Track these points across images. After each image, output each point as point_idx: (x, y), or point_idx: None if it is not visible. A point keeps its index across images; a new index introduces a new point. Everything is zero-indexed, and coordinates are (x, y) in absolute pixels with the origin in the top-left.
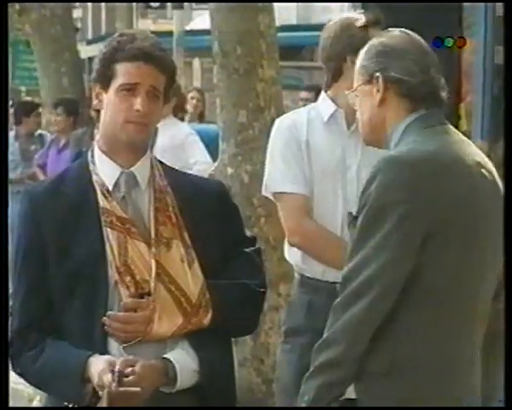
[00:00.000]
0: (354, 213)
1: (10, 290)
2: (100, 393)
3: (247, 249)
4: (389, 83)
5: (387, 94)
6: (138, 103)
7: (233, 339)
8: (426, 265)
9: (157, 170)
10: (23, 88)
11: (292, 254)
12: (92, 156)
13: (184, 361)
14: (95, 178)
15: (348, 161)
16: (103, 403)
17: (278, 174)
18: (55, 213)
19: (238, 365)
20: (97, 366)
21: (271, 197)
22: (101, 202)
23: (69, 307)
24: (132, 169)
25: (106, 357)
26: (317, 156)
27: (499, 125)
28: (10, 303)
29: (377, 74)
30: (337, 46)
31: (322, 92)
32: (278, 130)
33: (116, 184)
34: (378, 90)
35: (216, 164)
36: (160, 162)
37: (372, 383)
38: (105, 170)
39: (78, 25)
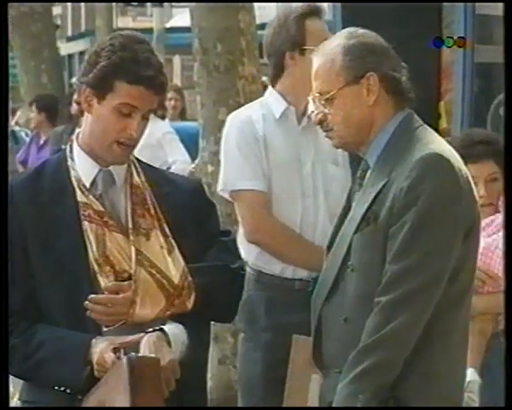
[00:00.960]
0: (365, 212)
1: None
2: (97, 374)
3: (223, 239)
4: (381, 81)
5: (378, 92)
6: (134, 129)
7: (213, 337)
8: (463, 262)
9: (134, 168)
10: None
11: (248, 252)
12: (71, 152)
13: (176, 331)
14: (72, 173)
15: (303, 157)
16: (120, 377)
17: (237, 171)
18: (33, 207)
19: (218, 363)
20: (99, 345)
21: (228, 197)
22: (79, 196)
23: (54, 299)
24: (110, 168)
25: (108, 337)
26: (273, 152)
27: (479, 123)
28: None
29: (369, 74)
30: (276, 42)
31: (270, 87)
32: (233, 126)
33: (94, 182)
34: (370, 90)
35: (196, 162)
36: (138, 160)
37: (415, 383)
38: (83, 167)
39: (58, 22)
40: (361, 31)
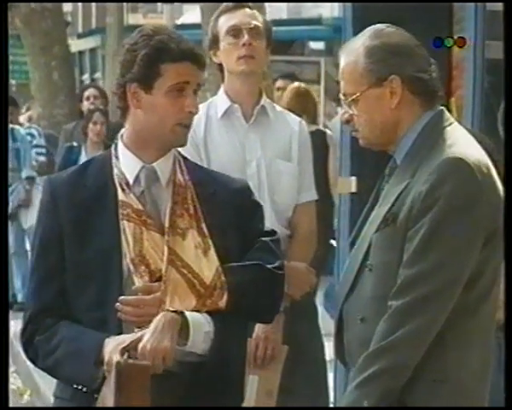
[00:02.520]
0: (386, 212)
1: (11, 290)
2: (106, 374)
3: (265, 239)
4: (404, 83)
5: (402, 94)
6: (191, 106)
7: None
8: (483, 268)
9: (179, 165)
10: (13, 82)
11: None
12: (115, 150)
13: (200, 320)
14: (115, 171)
15: (248, 156)
16: (111, 379)
17: None
18: (74, 204)
19: None
20: (110, 345)
21: None
22: (119, 195)
23: (83, 297)
24: (154, 164)
25: (119, 337)
26: (215, 153)
27: (489, 119)
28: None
29: (392, 77)
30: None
31: (221, 86)
32: None
33: (137, 179)
34: (393, 93)
35: None
36: (184, 158)
37: (424, 390)
38: (127, 164)
39: (69, 19)
40: (386, 30)
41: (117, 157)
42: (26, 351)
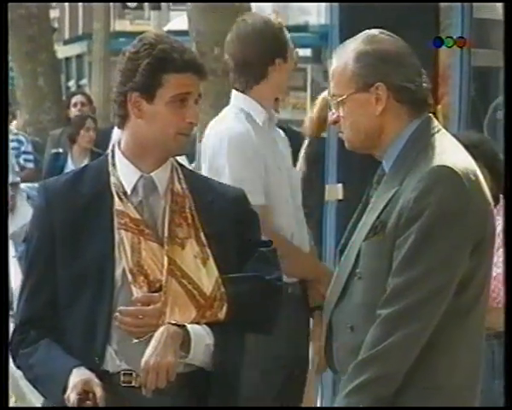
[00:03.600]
0: (375, 220)
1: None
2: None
3: (262, 249)
4: (390, 90)
5: (388, 102)
6: (192, 116)
7: None
8: (472, 275)
9: (176, 174)
10: None
11: None
12: (112, 158)
13: (200, 332)
14: (113, 179)
15: (281, 164)
16: None
17: (245, 187)
18: (68, 212)
19: None
20: (75, 379)
21: None
22: (117, 204)
23: (73, 307)
24: (152, 174)
25: (86, 374)
26: (265, 163)
27: (476, 126)
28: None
29: (378, 84)
30: (259, 51)
31: (240, 94)
32: (232, 140)
33: (134, 188)
34: (378, 100)
35: (193, 165)
36: (181, 166)
37: (415, 397)
38: (125, 173)
39: (55, 25)
40: (380, 36)
41: (114, 165)
42: (13, 358)
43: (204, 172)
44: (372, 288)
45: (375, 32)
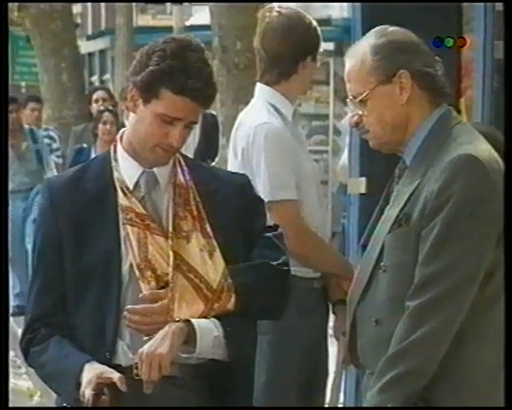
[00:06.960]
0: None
1: (12, 289)
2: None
3: (268, 234)
4: (414, 77)
5: (412, 89)
6: (175, 138)
7: None
8: (496, 264)
9: (179, 166)
10: (23, 83)
11: None
12: (115, 152)
13: (207, 326)
14: (116, 175)
15: (307, 161)
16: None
17: (278, 182)
18: (73, 209)
19: None
20: (88, 374)
21: None
22: (121, 199)
23: (81, 303)
24: (154, 169)
25: (98, 368)
26: (297, 159)
27: (499, 119)
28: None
29: (401, 71)
30: (292, 46)
31: (268, 88)
32: (269, 135)
33: (137, 184)
34: (403, 88)
35: (216, 159)
36: (184, 157)
37: (447, 389)
38: (127, 168)
39: (78, 20)
40: (390, 29)
41: (116, 160)
42: (24, 357)
43: (235, 163)
44: (397, 280)
45: (384, 26)
